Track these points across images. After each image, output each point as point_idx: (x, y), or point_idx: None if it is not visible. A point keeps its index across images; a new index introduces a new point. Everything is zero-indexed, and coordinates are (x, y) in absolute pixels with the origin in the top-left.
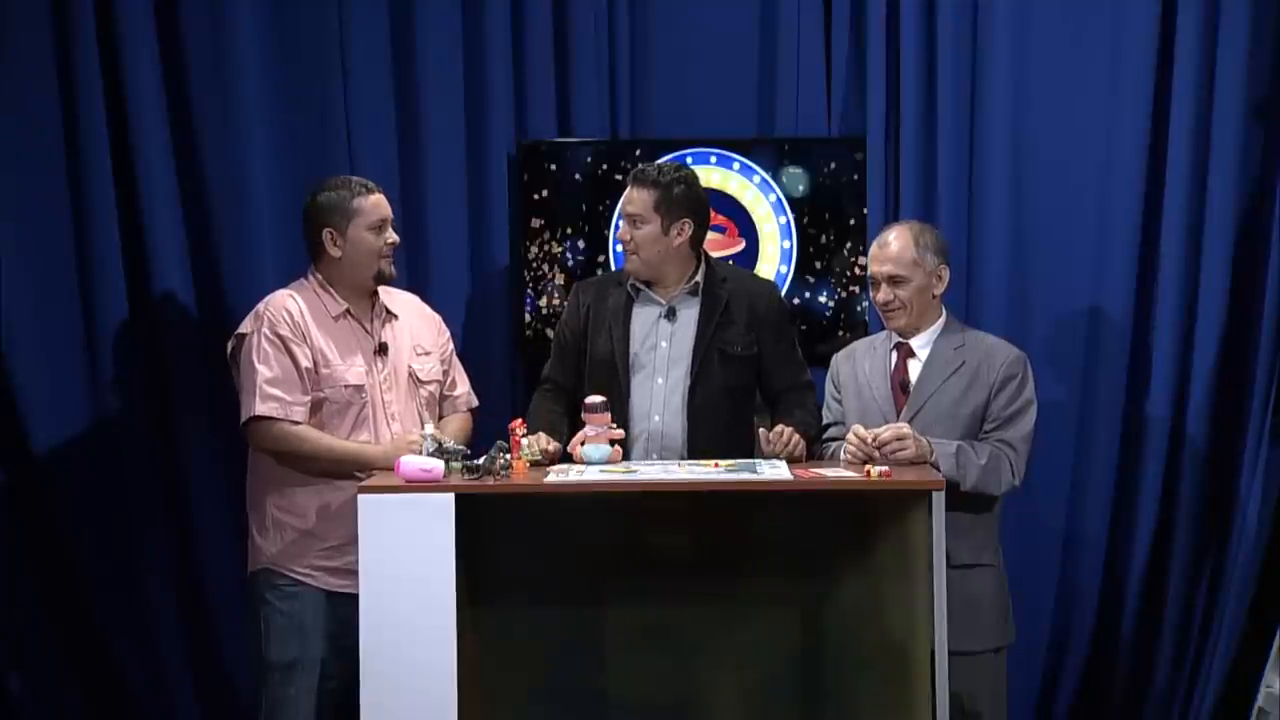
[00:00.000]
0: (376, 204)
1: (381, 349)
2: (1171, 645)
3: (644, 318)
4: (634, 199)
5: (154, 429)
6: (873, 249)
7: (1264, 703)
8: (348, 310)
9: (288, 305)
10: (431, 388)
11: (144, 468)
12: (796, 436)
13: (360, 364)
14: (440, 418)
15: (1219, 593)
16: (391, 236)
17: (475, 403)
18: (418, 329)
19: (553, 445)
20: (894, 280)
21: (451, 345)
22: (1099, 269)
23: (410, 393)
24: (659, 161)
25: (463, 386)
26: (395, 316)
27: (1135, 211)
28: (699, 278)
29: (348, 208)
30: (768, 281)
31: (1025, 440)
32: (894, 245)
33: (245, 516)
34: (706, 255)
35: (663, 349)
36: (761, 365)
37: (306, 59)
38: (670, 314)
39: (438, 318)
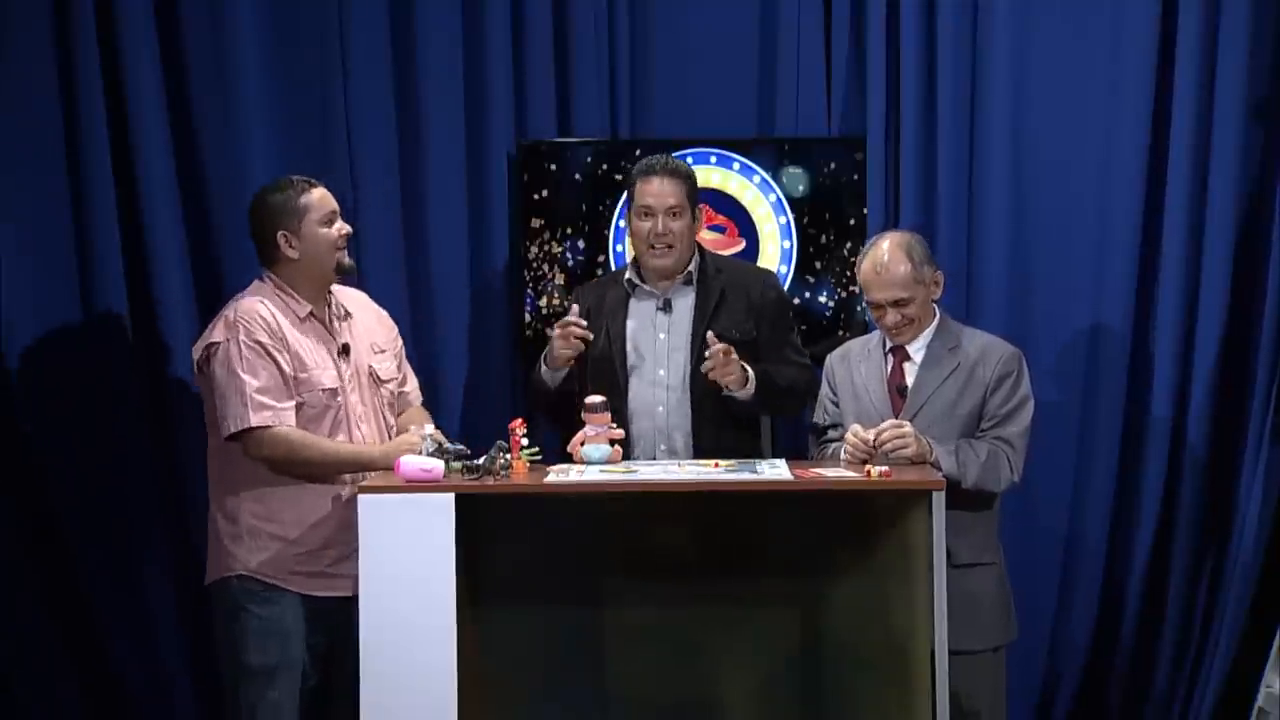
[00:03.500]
0: (323, 198)
1: (344, 350)
2: (1171, 645)
3: (640, 312)
4: (671, 191)
5: (154, 429)
6: (867, 274)
7: (1264, 703)
8: (312, 312)
9: (260, 311)
10: (391, 386)
11: (144, 468)
12: (724, 349)
13: (330, 366)
14: (399, 414)
15: (1219, 593)
16: (344, 227)
17: (421, 398)
18: (372, 327)
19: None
20: (899, 303)
21: (401, 341)
22: (1099, 269)
23: (372, 392)
24: (660, 155)
25: (412, 383)
26: (350, 315)
27: (1135, 211)
28: (692, 267)
29: (296, 206)
30: (765, 270)
31: (1023, 437)
32: (893, 269)
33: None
34: (700, 246)
35: (661, 340)
36: (759, 351)
37: (306, 59)
38: (666, 305)
39: (386, 314)
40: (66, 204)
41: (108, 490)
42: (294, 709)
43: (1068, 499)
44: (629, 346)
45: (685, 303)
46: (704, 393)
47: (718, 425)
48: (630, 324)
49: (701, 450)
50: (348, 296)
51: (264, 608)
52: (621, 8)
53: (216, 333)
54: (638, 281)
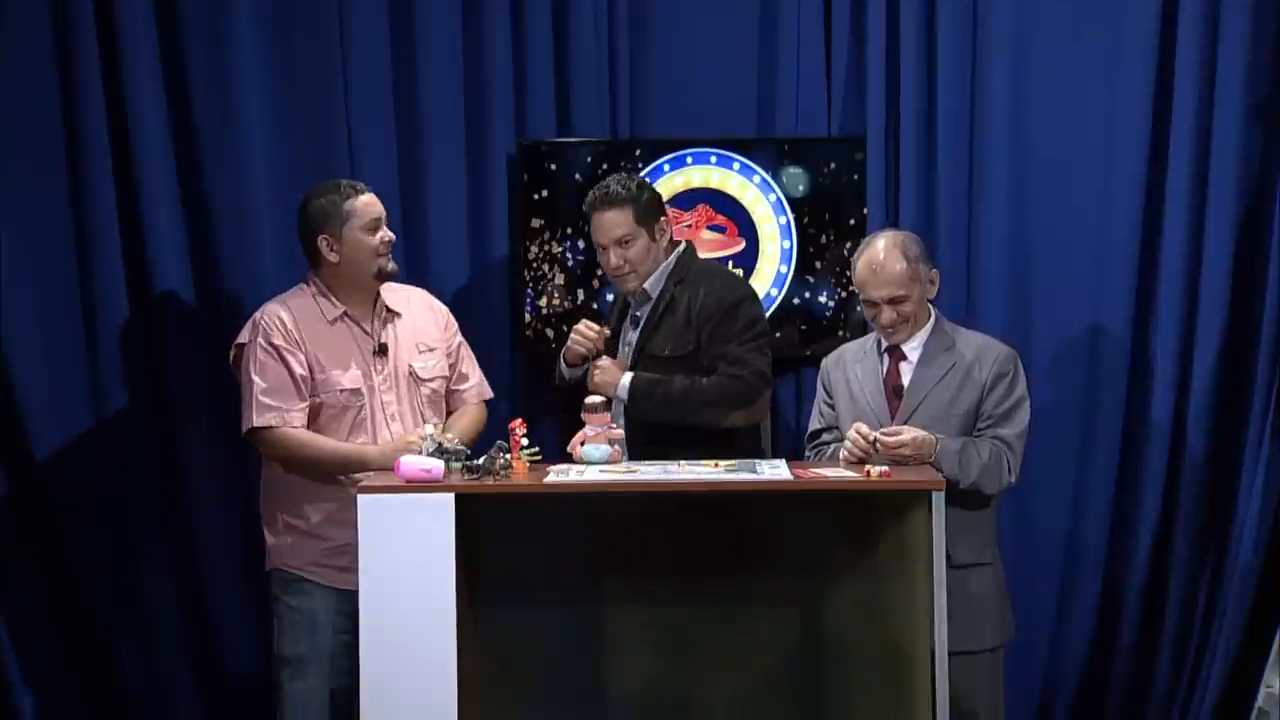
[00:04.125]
0: (369, 204)
1: (381, 350)
2: (1171, 645)
3: (625, 324)
4: (616, 221)
5: (154, 429)
6: (862, 272)
7: (1264, 703)
8: (345, 313)
9: (280, 314)
10: (434, 384)
11: (144, 468)
12: (599, 362)
13: (356, 367)
14: (450, 412)
15: (1219, 593)
16: (387, 234)
17: (489, 394)
18: (422, 326)
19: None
20: (895, 300)
21: (460, 338)
22: (1099, 269)
23: (411, 392)
24: (606, 181)
25: (473, 379)
26: (398, 315)
27: (1135, 211)
28: (648, 284)
29: (340, 211)
30: (724, 279)
31: (1020, 438)
32: (890, 267)
33: (247, 517)
34: (685, 253)
35: (625, 354)
36: (697, 363)
37: (306, 59)
38: (634, 321)
39: (445, 311)
40: (67, 204)
41: (108, 491)
42: (323, 701)
43: (1068, 499)
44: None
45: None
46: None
47: (649, 439)
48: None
49: (641, 454)
50: (402, 296)
51: (297, 599)
52: (621, 8)
53: (244, 334)
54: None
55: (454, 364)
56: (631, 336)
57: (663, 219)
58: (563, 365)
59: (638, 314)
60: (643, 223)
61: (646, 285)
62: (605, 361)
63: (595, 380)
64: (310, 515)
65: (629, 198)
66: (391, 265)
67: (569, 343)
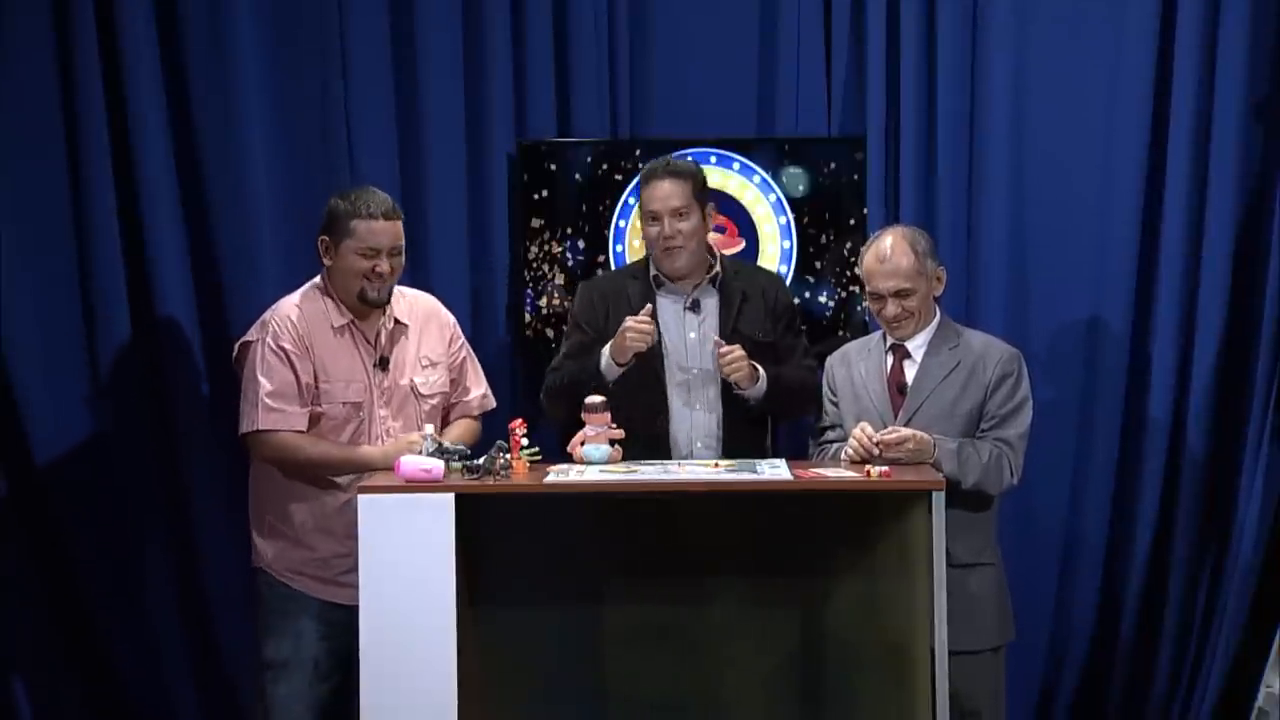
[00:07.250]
0: (371, 231)
1: (382, 363)
2: (1171, 645)
3: (668, 310)
4: (673, 192)
5: (154, 433)
6: (869, 264)
7: (1264, 703)
8: (351, 322)
9: (292, 316)
10: (434, 401)
11: (144, 472)
12: (739, 353)
13: (359, 379)
14: (448, 422)
15: (1219, 593)
16: (383, 265)
17: (492, 405)
18: (427, 340)
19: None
20: (901, 294)
21: (466, 351)
22: (1099, 268)
23: (412, 407)
24: (666, 156)
25: (476, 390)
26: (405, 327)
27: (1135, 210)
28: (718, 268)
29: (346, 224)
30: (774, 273)
31: (1022, 439)
32: (895, 259)
33: (244, 518)
34: (711, 247)
35: (691, 339)
36: (778, 354)
37: (306, 59)
38: (695, 305)
39: (451, 322)
40: (67, 206)
41: (108, 493)
42: (305, 706)
43: (1067, 499)
44: (663, 346)
45: (711, 303)
46: (733, 394)
47: (741, 424)
48: (660, 322)
49: (729, 447)
50: (409, 306)
51: (280, 603)
52: (621, 8)
53: (252, 332)
54: (664, 280)
55: (455, 379)
56: (696, 323)
57: (710, 206)
58: (602, 363)
59: (697, 297)
60: (698, 200)
61: (718, 269)
62: (739, 350)
63: (739, 374)
64: (297, 522)
65: (687, 172)
66: (375, 294)
67: (627, 341)
